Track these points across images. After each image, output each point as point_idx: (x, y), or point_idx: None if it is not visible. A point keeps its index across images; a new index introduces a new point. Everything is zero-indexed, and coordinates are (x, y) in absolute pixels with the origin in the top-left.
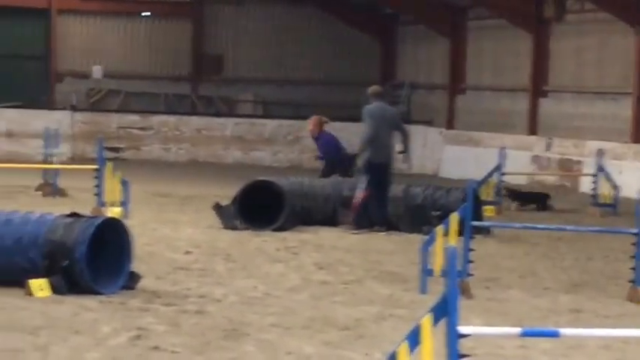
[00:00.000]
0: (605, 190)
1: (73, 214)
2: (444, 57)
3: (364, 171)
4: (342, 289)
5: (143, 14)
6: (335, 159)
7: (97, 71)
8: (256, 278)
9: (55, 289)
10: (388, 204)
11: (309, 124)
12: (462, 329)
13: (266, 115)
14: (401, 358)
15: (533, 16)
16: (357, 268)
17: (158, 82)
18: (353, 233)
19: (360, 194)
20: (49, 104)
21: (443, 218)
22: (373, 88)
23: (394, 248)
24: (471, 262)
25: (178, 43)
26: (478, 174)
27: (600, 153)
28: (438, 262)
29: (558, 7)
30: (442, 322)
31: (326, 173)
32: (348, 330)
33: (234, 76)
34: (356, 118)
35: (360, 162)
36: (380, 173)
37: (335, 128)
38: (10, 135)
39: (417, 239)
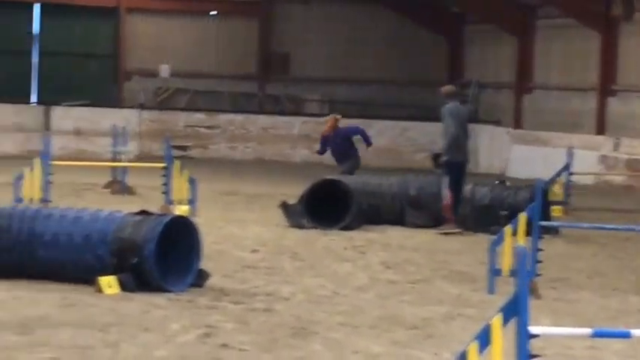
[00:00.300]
0: None
1: (142, 212)
2: (511, 56)
3: (445, 171)
4: (410, 288)
5: (211, 13)
6: (352, 153)
7: (164, 70)
8: (324, 277)
9: (124, 287)
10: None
11: (326, 124)
12: (533, 329)
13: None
14: (471, 357)
15: (602, 15)
16: (424, 268)
17: (225, 80)
18: (443, 233)
19: (447, 194)
20: (117, 103)
21: (511, 218)
22: (448, 88)
23: (461, 248)
24: (539, 262)
25: (246, 42)
26: (545, 174)
27: None
28: (506, 262)
29: (627, 6)
30: (510, 322)
31: (351, 169)
32: (416, 329)
33: (301, 75)
34: (420, 118)
35: (441, 161)
36: (458, 172)
37: (401, 127)
38: (78, 133)
39: (484, 239)
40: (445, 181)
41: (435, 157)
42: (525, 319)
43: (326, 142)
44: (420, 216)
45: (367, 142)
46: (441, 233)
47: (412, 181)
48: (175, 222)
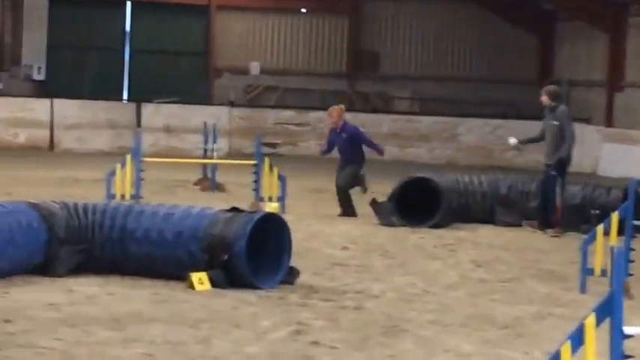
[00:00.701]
0: None
1: (233, 209)
2: (602, 54)
3: (561, 173)
4: (500, 287)
5: (301, 11)
6: (356, 153)
7: (254, 67)
8: (414, 275)
9: (215, 283)
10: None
11: (331, 116)
12: (627, 330)
13: (422, 112)
14: (564, 358)
15: None
16: (514, 267)
17: (315, 78)
18: (552, 235)
19: (560, 197)
20: (207, 100)
21: (602, 217)
22: (554, 89)
23: (552, 247)
24: (631, 261)
25: (336, 39)
26: (636, 172)
27: None
28: (598, 262)
29: None
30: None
31: (353, 171)
32: (506, 328)
33: (391, 72)
34: (510, 116)
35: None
36: (565, 173)
37: (491, 125)
38: (169, 130)
39: (574, 238)
40: (559, 183)
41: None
42: (620, 320)
43: (333, 139)
44: (509, 214)
45: (377, 150)
46: (552, 236)
47: (502, 179)
48: (266, 219)
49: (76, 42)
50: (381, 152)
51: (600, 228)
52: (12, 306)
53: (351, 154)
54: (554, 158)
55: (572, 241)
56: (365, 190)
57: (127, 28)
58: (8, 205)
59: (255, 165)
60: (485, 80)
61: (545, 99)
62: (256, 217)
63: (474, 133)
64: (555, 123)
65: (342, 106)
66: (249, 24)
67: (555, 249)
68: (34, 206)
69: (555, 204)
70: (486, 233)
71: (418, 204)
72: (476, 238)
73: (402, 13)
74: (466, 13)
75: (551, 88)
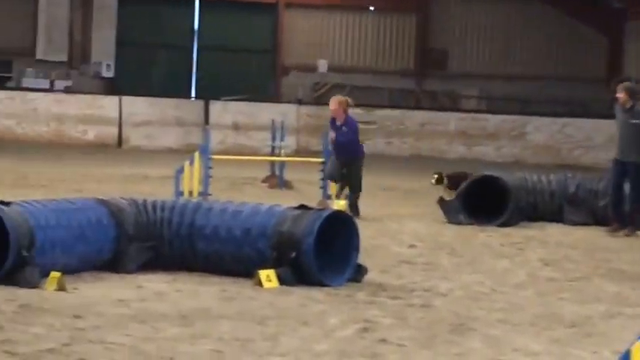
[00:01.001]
0: None
1: (302, 207)
2: None
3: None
4: (569, 286)
5: (370, 9)
6: (355, 151)
7: (322, 65)
8: (482, 273)
9: (283, 281)
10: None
11: (332, 105)
12: None
13: (490, 110)
14: (635, 357)
15: None
16: (583, 265)
17: (382, 76)
18: (626, 235)
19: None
20: (275, 97)
21: None
22: (632, 85)
23: (621, 246)
24: None
25: (403, 37)
26: None
27: None
28: None
29: None
30: None
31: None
32: (575, 327)
33: (459, 70)
34: (579, 114)
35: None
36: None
37: (560, 124)
38: (237, 127)
39: None
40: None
41: None
42: None
43: (334, 131)
44: (578, 213)
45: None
46: (626, 235)
47: (570, 178)
48: (334, 217)
49: (145, 39)
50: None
51: None
52: (82, 302)
53: (347, 149)
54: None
55: None
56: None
57: (196, 25)
58: (78, 201)
59: (322, 163)
60: (554, 78)
61: (622, 96)
62: (324, 214)
63: (541, 131)
64: (636, 122)
65: (348, 99)
66: (316, 22)
67: (626, 248)
68: (103, 203)
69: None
70: (554, 232)
71: (486, 202)
72: (544, 237)
73: (471, 10)
74: (534, 10)
75: (628, 84)
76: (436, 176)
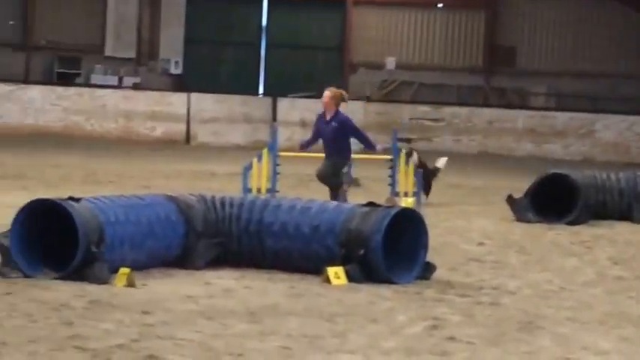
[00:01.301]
0: None
1: (370, 204)
2: None
3: None
4: (638, 284)
5: (438, 5)
6: (345, 149)
7: (390, 62)
8: (550, 272)
9: (351, 278)
10: None
11: (325, 96)
12: None
13: (558, 108)
14: None
15: None
16: None
17: (450, 73)
18: None
19: None
20: None
21: None
22: None
23: None
24: None
25: (472, 34)
26: None
27: None
28: None
29: None
30: None
31: (337, 167)
32: None
33: (528, 68)
34: None
35: None
36: None
37: (629, 122)
38: (304, 124)
39: None
40: None
41: None
42: None
43: (320, 127)
44: None
45: (371, 147)
46: None
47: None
48: (402, 214)
49: (213, 36)
50: (374, 149)
51: None
52: (150, 298)
53: (335, 146)
54: None
55: None
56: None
57: (264, 23)
58: (147, 197)
59: (391, 160)
60: (623, 76)
61: None
62: (393, 212)
63: (610, 129)
64: None
65: (343, 92)
66: (384, 19)
67: None
68: (172, 199)
69: None
70: (623, 230)
71: (554, 200)
72: (613, 236)
73: (540, 7)
74: (604, 8)
75: None
76: (404, 151)
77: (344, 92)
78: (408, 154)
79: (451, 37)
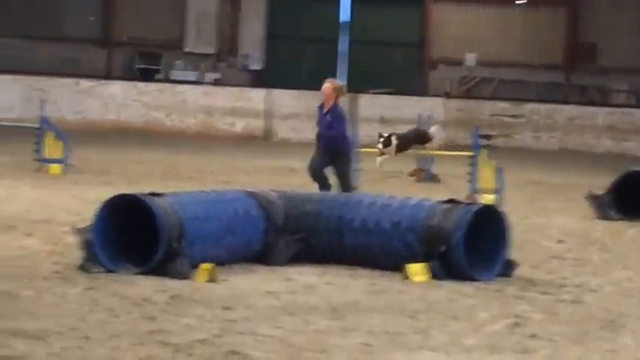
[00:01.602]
0: None
1: (451, 201)
2: None
3: None
4: None
5: (518, 2)
6: (342, 144)
7: (470, 59)
8: (632, 269)
9: (433, 275)
10: None
11: (326, 88)
12: None
13: (639, 105)
14: None
15: None
16: None
17: (531, 70)
18: None
19: None
20: (422, 91)
21: None
22: None
23: None
24: None
25: (552, 31)
26: None
27: None
28: None
29: None
30: None
31: (322, 161)
32: None
33: (609, 65)
34: None
35: None
36: None
37: None
38: (383, 121)
39: None
40: None
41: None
42: None
43: (319, 118)
44: None
45: (347, 147)
46: None
47: None
48: (484, 211)
49: (293, 32)
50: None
51: None
52: (232, 294)
53: (333, 141)
54: None
55: None
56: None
57: (344, 19)
58: (227, 193)
59: (471, 156)
60: None
61: None
62: (474, 209)
63: None
64: None
65: (344, 86)
66: (464, 15)
67: None
68: (253, 195)
69: None
70: None
71: (637, 198)
72: None
73: (621, 3)
74: None
75: None
76: (382, 140)
77: (344, 86)
78: (386, 144)
79: (531, 33)
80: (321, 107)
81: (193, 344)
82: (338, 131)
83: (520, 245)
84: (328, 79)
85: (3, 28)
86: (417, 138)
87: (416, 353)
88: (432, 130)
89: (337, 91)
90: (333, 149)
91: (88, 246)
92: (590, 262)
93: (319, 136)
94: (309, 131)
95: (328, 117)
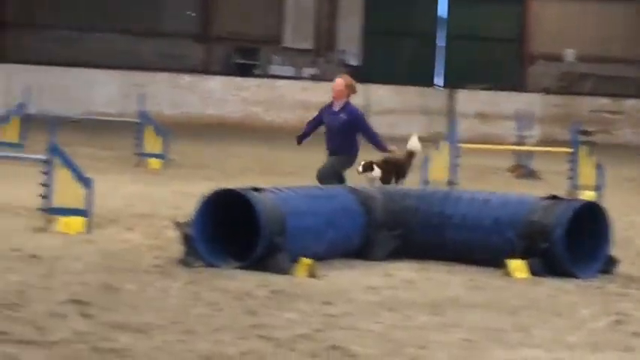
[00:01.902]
0: None
1: (552, 197)
2: None
3: None
4: None
5: None
6: (351, 146)
7: (569, 54)
8: None
9: (534, 271)
10: None
11: (337, 84)
12: None
13: None
14: None
15: None
16: None
17: (631, 66)
18: None
19: None
20: (521, 87)
21: None
22: None
23: None
24: None
25: None
26: None
27: None
28: None
29: None
30: None
31: (337, 165)
32: None
33: None
34: None
35: None
36: None
37: None
38: (481, 116)
39: None
40: None
41: None
42: None
43: (325, 118)
44: None
45: (381, 147)
46: None
47: None
48: (585, 208)
49: (391, 28)
50: (385, 150)
51: None
52: (332, 288)
53: (342, 142)
54: None
55: None
56: None
57: (442, 14)
58: (328, 189)
59: (571, 153)
60: None
61: None
62: (575, 205)
63: None
64: None
65: (354, 83)
66: (564, 10)
67: None
68: (353, 190)
69: None
70: None
71: None
72: None
73: None
74: None
75: None
76: (362, 162)
77: (355, 83)
78: (367, 168)
79: (630, 29)
80: (330, 106)
81: (295, 339)
82: (373, 136)
83: (621, 242)
84: (340, 75)
85: (102, 24)
86: (396, 168)
87: (517, 350)
88: (411, 142)
89: (349, 89)
90: (341, 150)
91: (188, 240)
92: None
93: (327, 135)
94: (406, 126)
95: (342, 115)
